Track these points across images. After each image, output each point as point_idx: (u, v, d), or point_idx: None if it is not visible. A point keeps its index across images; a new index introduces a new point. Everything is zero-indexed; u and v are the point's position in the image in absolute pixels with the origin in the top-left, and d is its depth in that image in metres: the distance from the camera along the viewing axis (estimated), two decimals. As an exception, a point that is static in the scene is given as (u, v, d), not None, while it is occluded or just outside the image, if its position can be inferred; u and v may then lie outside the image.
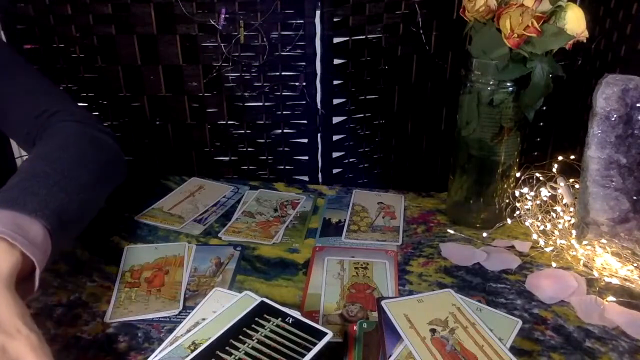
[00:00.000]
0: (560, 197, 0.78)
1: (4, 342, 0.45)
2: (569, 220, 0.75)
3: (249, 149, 1.27)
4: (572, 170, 0.76)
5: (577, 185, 0.75)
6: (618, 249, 0.68)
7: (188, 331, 0.54)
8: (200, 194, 0.88)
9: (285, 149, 1.27)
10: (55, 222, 0.56)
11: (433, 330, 0.52)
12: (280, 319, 0.53)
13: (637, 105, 0.66)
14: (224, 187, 0.90)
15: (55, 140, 0.67)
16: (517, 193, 0.79)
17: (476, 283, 0.67)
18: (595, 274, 0.68)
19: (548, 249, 0.73)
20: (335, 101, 1.21)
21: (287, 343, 0.50)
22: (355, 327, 0.57)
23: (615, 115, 0.67)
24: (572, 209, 0.76)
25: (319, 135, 1.24)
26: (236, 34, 1.13)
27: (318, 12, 1.12)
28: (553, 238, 0.74)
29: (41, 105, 0.71)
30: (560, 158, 0.79)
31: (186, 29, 1.13)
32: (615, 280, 0.66)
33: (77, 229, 0.64)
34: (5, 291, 0.48)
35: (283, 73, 1.18)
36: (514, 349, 0.53)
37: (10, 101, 0.71)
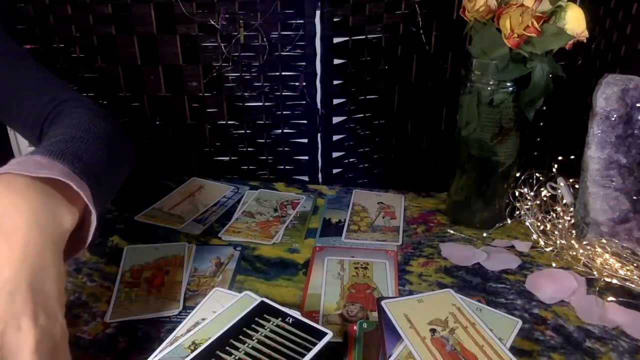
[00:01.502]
0: (560, 197, 0.78)
1: (6, 329, 0.40)
2: (569, 220, 0.75)
3: (249, 149, 1.27)
4: (572, 170, 0.76)
5: (577, 185, 0.75)
6: (618, 249, 0.68)
7: (188, 331, 0.54)
8: (200, 194, 0.88)
9: (285, 149, 1.26)
10: (98, 189, 0.53)
11: (433, 330, 0.52)
12: (280, 319, 0.53)
13: (637, 105, 0.66)
14: (224, 187, 0.90)
15: (78, 118, 0.64)
16: (517, 193, 0.79)
17: (476, 283, 0.67)
18: (595, 274, 0.68)
19: (548, 249, 0.73)
20: (335, 101, 1.21)
21: (287, 343, 0.50)
22: (355, 327, 0.57)
23: (615, 115, 0.67)
24: (572, 209, 0.76)
25: (319, 135, 1.24)
26: (236, 34, 1.13)
27: (318, 12, 1.12)
28: (553, 238, 0.74)
29: (48, 94, 0.69)
30: (560, 158, 0.79)
31: (186, 29, 1.13)
32: (615, 280, 0.66)
33: (104, 203, 0.60)
34: (55, 259, 0.45)
35: (283, 73, 1.18)
36: (514, 349, 0.53)
37: (15, 90, 0.69)
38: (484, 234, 0.77)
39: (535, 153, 1.34)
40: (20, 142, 1.77)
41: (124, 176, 0.68)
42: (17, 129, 0.75)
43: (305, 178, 1.29)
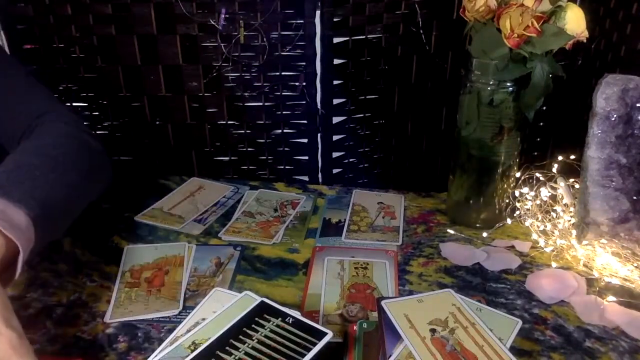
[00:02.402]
0: (560, 197, 0.78)
1: None
2: (569, 220, 0.75)
3: (249, 149, 1.27)
4: (572, 170, 0.76)
5: (577, 185, 0.75)
6: (618, 249, 0.68)
7: (188, 331, 0.54)
8: (200, 194, 0.88)
9: (285, 149, 1.27)
10: (39, 212, 0.55)
11: (433, 330, 0.52)
12: (280, 319, 0.53)
13: (637, 105, 0.66)
14: (224, 187, 0.90)
15: (44, 138, 0.66)
16: (517, 193, 0.79)
17: (476, 283, 0.67)
18: (595, 274, 0.68)
19: (548, 249, 0.73)
20: (335, 101, 1.21)
21: (287, 343, 0.50)
22: (355, 327, 0.57)
23: (615, 115, 0.67)
24: (572, 209, 0.76)
25: (319, 135, 1.24)
26: (236, 34, 1.13)
27: (318, 12, 1.12)
28: (553, 238, 0.74)
29: (30, 106, 0.70)
30: (560, 158, 0.79)
31: (186, 29, 1.13)
32: (615, 280, 0.66)
33: (61, 223, 0.62)
34: None
35: (283, 73, 1.18)
36: (514, 349, 0.53)
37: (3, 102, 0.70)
38: (484, 234, 0.77)
39: (535, 153, 1.34)
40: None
41: (94, 193, 0.69)
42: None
43: (305, 178, 1.30)
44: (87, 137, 0.71)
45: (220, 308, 0.56)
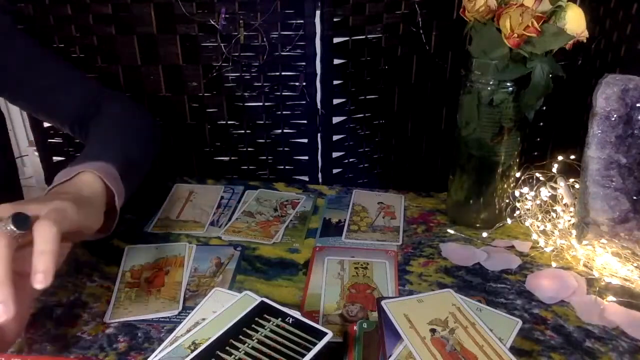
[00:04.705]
0: (560, 197, 0.78)
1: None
2: (569, 220, 0.75)
3: (249, 149, 1.27)
4: (572, 170, 0.76)
5: (577, 185, 0.75)
6: (618, 249, 0.68)
7: (188, 331, 0.54)
8: (196, 197, 0.87)
9: (285, 149, 1.26)
10: (126, 169, 0.67)
11: (433, 330, 0.52)
12: (280, 319, 0.53)
13: (637, 105, 0.66)
14: (214, 187, 0.89)
15: (115, 109, 0.80)
16: (517, 193, 0.79)
17: (476, 283, 0.67)
18: (595, 274, 0.68)
19: (548, 249, 0.73)
20: (335, 101, 1.21)
21: (287, 343, 0.50)
22: (355, 327, 0.57)
23: (615, 115, 0.67)
24: (572, 209, 0.76)
25: (319, 135, 1.24)
26: (236, 34, 1.13)
27: (318, 12, 1.12)
28: (553, 238, 0.74)
29: (83, 89, 0.82)
30: (560, 158, 0.79)
31: (186, 29, 1.13)
32: (615, 280, 0.66)
33: (136, 180, 0.73)
34: (71, 204, 0.54)
35: (283, 73, 1.18)
36: (514, 349, 0.53)
37: (57, 89, 0.80)
38: (484, 234, 0.77)
39: (535, 153, 1.34)
40: (20, 141, 1.77)
41: (152, 157, 0.82)
42: (54, 122, 0.87)
43: (305, 178, 1.29)
44: (142, 108, 0.87)
45: (220, 308, 0.56)
